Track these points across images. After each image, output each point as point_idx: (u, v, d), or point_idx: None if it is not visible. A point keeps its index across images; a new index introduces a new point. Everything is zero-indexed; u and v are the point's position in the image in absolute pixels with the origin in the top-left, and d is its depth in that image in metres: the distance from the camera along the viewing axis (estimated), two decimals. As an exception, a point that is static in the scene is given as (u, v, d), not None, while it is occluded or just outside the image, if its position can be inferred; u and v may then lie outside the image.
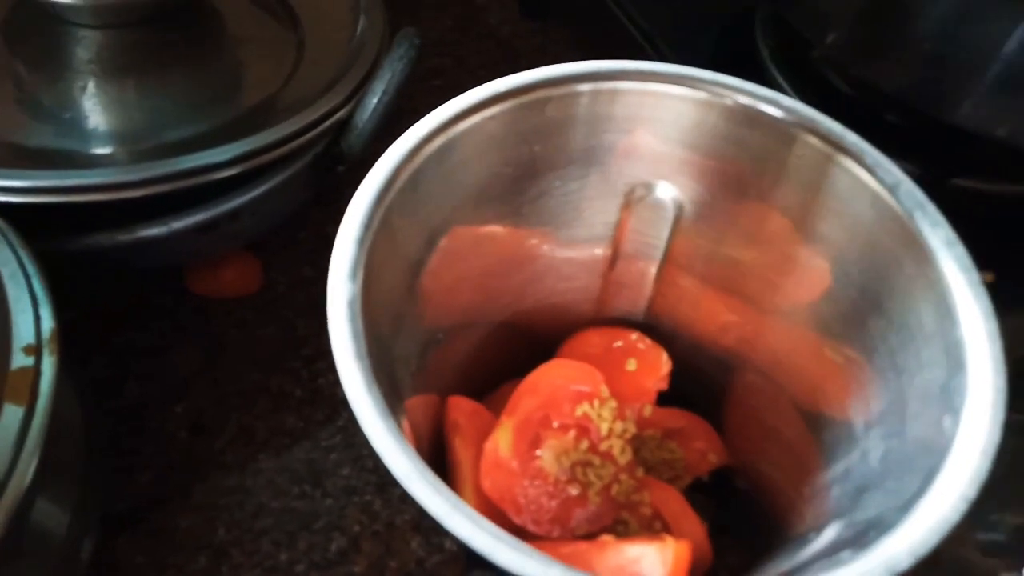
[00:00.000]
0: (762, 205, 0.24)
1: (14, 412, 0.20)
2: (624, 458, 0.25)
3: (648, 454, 0.27)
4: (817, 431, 0.23)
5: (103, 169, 0.26)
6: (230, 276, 0.34)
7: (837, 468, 0.22)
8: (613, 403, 0.25)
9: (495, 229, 0.25)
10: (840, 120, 0.22)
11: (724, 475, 0.27)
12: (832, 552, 0.18)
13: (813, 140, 0.22)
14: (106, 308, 0.33)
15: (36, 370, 0.21)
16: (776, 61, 0.36)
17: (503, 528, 0.16)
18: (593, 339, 0.28)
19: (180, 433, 0.30)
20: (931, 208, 0.21)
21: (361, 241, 0.19)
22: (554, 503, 0.23)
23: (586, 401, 0.25)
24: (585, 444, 0.24)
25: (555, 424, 0.24)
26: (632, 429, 0.25)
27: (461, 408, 0.25)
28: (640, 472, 0.25)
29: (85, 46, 0.31)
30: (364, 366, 0.17)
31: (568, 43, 0.47)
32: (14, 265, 0.23)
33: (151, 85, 0.31)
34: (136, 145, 0.29)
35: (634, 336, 0.28)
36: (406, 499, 0.29)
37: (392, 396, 0.18)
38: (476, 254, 0.25)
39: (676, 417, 0.28)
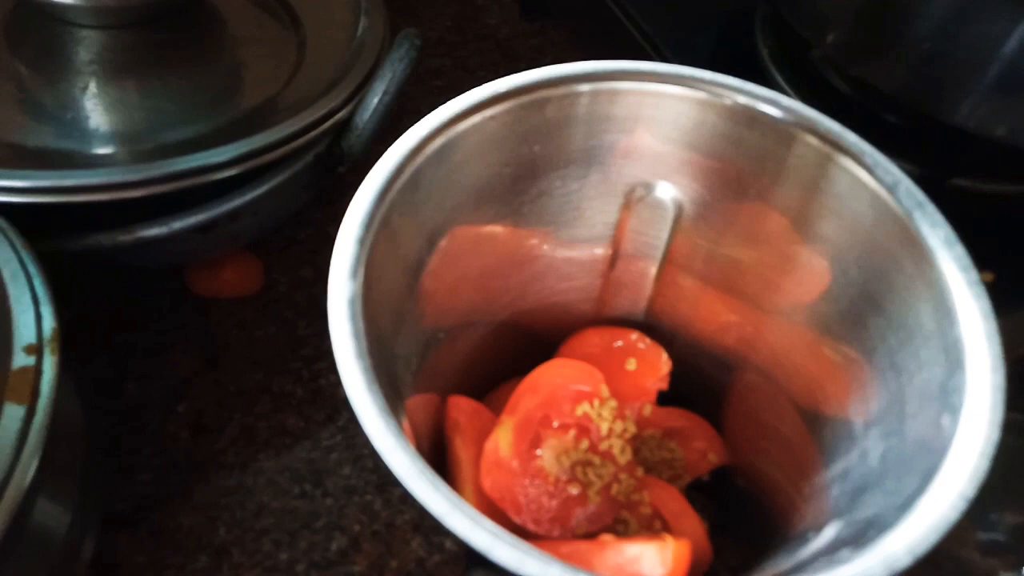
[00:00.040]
0: (761, 205, 0.24)
1: (15, 411, 0.20)
2: (624, 458, 0.25)
3: (648, 454, 0.27)
4: (816, 430, 0.23)
5: (104, 169, 0.26)
6: (231, 276, 0.34)
7: (836, 467, 0.22)
8: (613, 403, 0.25)
9: (495, 229, 0.25)
10: (839, 120, 0.23)
11: (724, 474, 0.27)
12: (831, 551, 0.18)
13: (812, 140, 0.22)
14: (107, 308, 0.33)
15: (37, 369, 0.21)
16: (776, 61, 0.36)
17: (503, 527, 0.16)
18: (593, 339, 0.28)
19: (181, 433, 0.30)
20: (930, 208, 0.21)
21: (362, 240, 0.19)
22: (554, 502, 0.23)
23: (586, 401, 0.25)
24: (585, 444, 0.25)
25: (555, 424, 0.24)
26: (632, 429, 0.25)
27: (461, 407, 0.25)
28: (640, 472, 0.25)
29: (86, 46, 0.31)
30: (365, 365, 0.17)
31: (568, 44, 0.47)
32: (15, 265, 0.23)
33: (152, 85, 0.31)
34: (137, 145, 0.29)
35: (634, 336, 0.28)
36: (406, 499, 0.29)
37: (392, 395, 0.18)
38: (476, 254, 0.25)
39: (676, 417, 0.28)
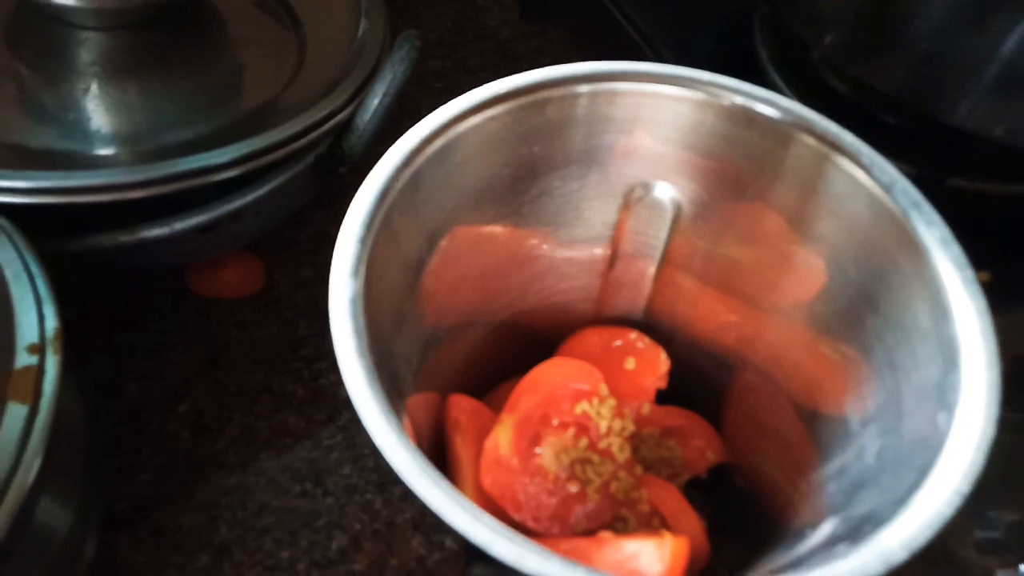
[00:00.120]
0: (759, 205, 0.24)
1: (18, 411, 0.20)
2: (623, 456, 0.25)
3: (647, 452, 0.27)
4: (814, 428, 0.23)
5: (106, 170, 0.26)
6: (231, 276, 0.34)
7: (833, 465, 0.22)
8: (612, 401, 0.25)
9: (495, 229, 0.25)
10: (838, 121, 0.23)
11: (722, 473, 0.27)
12: (828, 546, 0.18)
13: (809, 140, 0.23)
14: (108, 308, 0.33)
15: (40, 369, 0.21)
16: (774, 62, 0.36)
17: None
18: (592, 338, 0.28)
19: (182, 433, 0.30)
20: (927, 207, 0.21)
21: (363, 240, 0.19)
22: (554, 500, 0.24)
23: (585, 399, 0.25)
24: (584, 442, 0.25)
25: (555, 422, 0.25)
26: (631, 427, 0.26)
27: (462, 406, 0.25)
28: (639, 470, 0.25)
29: (87, 48, 0.31)
30: (366, 363, 0.18)
31: (568, 45, 0.47)
32: (18, 265, 0.23)
33: (153, 87, 0.31)
34: (138, 146, 0.29)
35: (633, 335, 0.28)
36: (407, 498, 0.29)
37: (393, 393, 0.18)
38: (476, 254, 0.25)
39: (674, 415, 0.28)
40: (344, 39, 0.33)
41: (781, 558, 0.20)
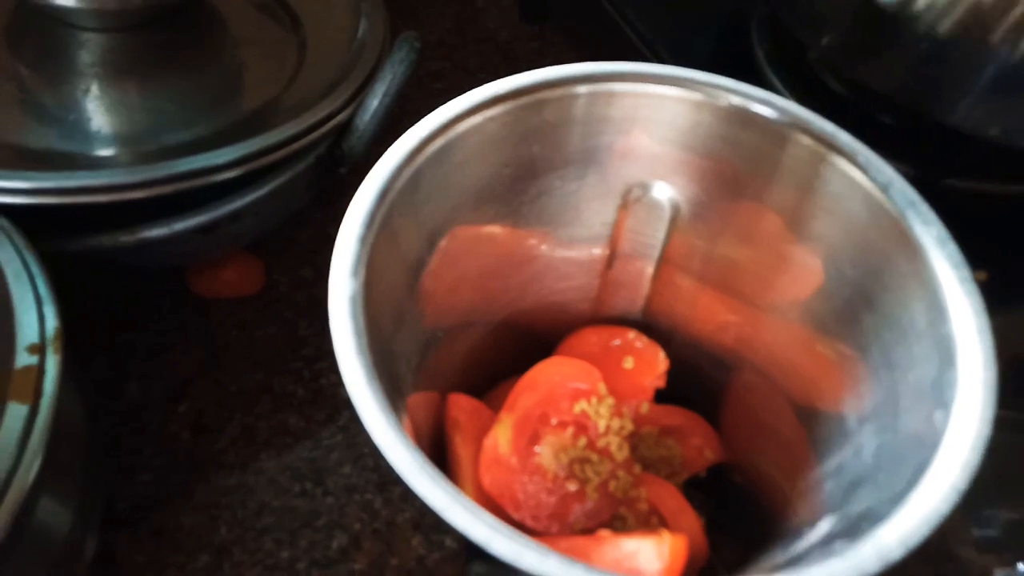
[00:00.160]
0: (757, 204, 0.24)
1: (18, 410, 0.20)
2: (622, 455, 0.25)
3: (646, 451, 0.27)
4: (812, 427, 0.23)
5: (106, 171, 0.26)
6: (231, 276, 0.34)
7: (831, 463, 0.22)
8: (611, 400, 0.25)
9: (495, 229, 0.25)
10: (835, 121, 0.23)
11: (720, 471, 0.28)
12: (825, 544, 0.18)
13: (806, 140, 0.23)
14: (108, 308, 0.33)
15: (40, 369, 0.21)
16: (772, 63, 0.36)
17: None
18: (591, 337, 0.29)
19: (182, 433, 0.30)
20: (923, 206, 0.21)
21: (363, 239, 0.20)
22: (553, 499, 0.24)
23: (584, 398, 0.25)
24: (583, 441, 0.25)
25: (553, 421, 0.25)
26: (629, 426, 0.26)
27: (461, 405, 0.25)
28: (637, 468, 0.26)
29: (88, 49, 0.31)
30: (365, 362, 0.18)
31: (567, 46, 0.47)
32: (18, 265, 0.23)
33: (153, 88, 0.31)
34: (138, 147, 0.29)
35: (631, 335, 0.28)
36: (407, 497, 0.29)
37: (393, 392, 0.18)
38: (476, 254, 0.25)
39: (673, 414, 0.28)
40: (344, 40, 0.33)
41: (779, 556, 0.21)
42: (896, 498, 0.17)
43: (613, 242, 0.27)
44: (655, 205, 0.26)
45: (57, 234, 0.26)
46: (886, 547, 0.16)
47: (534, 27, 0.48)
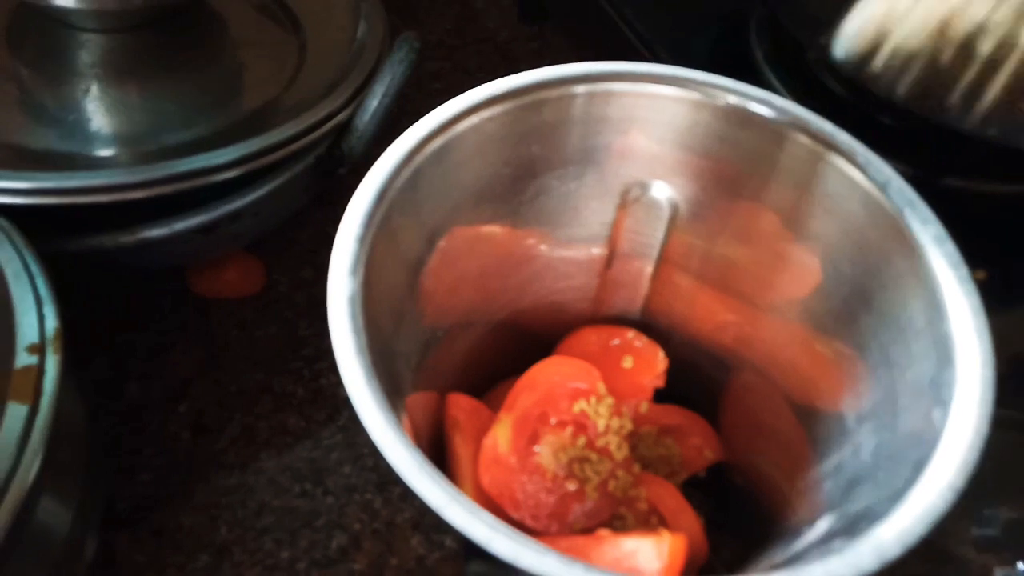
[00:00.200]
0: (755, 204, 0.24)
1: (18, 411, 0.20)
2: (621, 454, 0.25)
3: (645, 450, 0.27)
4: (810, 426, 0.23)
5: (106, 171, 0.26)
6: (231, 276, 0.34)
7: (830, 462, 0.22)
8: (610, 400, 0.25)
9: (494, 229, 0.25)
10: (834, 120, 0.23)
11: (720, 471, 0.28)
12: (824, 542, 0.18)
13: (804, 139, 0.23)
14: (108, 309, 0.33)
15: (40, 369, 0.21)
16: (770, 63, 0.36)
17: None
18: (590, 337, 0.29)
19: (182, 433, 0.30)
20: (921, 205, 0.21)
21: (362, 239, 0.20)
22: (552, 498, 0.24)
23: (583, 398, 0.25)
24: (582, 440, 0.25)
25: (553, 420, 0.25)
26: (629, 426, 0.26)
27: (460, 405, 0.25)
28: (637, 468, 0.26)
29: (88, 50, 0.31)
30: (364, 361, 0.18)
31: (566, 47, 0.47)
32: (18, 265, 0.23)
33: (153, 88, 0.31)
34: (138, 147, 0.29)
35: (631, 334, 0.29)
36: (406, 497, 0.29)
37: (392, 392, 0.19)
38: (475, 253, 0.25)
39: (672, 414, 0.28)
40: (344, 40, 0.34)
41: (778, 555, 0.21)
42: (895, 496, 0.17)
43: (612, 242, 0.27)
44: (654, 205, 0.26)
45: (57, 234, 0.26)
46: (884, 545, 0.16)
47: (533, 27, 0.48)
